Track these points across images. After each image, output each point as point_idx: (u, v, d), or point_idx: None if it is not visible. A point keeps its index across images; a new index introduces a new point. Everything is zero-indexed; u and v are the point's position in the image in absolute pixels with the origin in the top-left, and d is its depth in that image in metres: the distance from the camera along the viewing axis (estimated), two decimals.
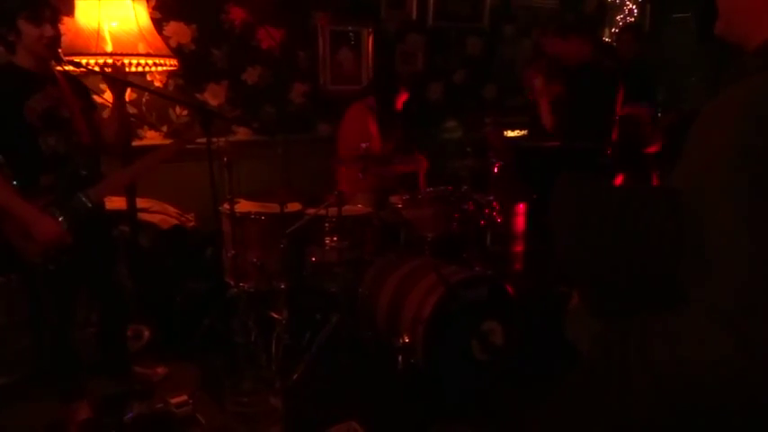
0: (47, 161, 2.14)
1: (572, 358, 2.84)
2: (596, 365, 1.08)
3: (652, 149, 3.88)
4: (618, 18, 5.14)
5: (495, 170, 3.13)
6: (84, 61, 2.61)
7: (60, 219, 2.14)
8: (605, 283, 1.02)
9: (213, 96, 3.70)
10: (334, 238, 2.92)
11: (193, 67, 3.59)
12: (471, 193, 3.15)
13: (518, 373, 2.78)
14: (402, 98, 3.60)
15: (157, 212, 3.41)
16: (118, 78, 2.48)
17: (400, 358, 2.60)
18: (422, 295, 2.65)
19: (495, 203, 3.17)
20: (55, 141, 2.15)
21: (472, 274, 2.71)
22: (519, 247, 4.06)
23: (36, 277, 2.22)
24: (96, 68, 2.76)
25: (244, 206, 3.05)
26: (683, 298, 0.92)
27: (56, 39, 2.14)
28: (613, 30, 5.17)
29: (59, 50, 2.19)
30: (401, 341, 2.60)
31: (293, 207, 3.04)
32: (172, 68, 3.19)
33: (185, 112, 3.60)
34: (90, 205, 2.21)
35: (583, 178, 1.07)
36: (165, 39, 3.34)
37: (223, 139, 2.98)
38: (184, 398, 2.48)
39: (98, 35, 2.84)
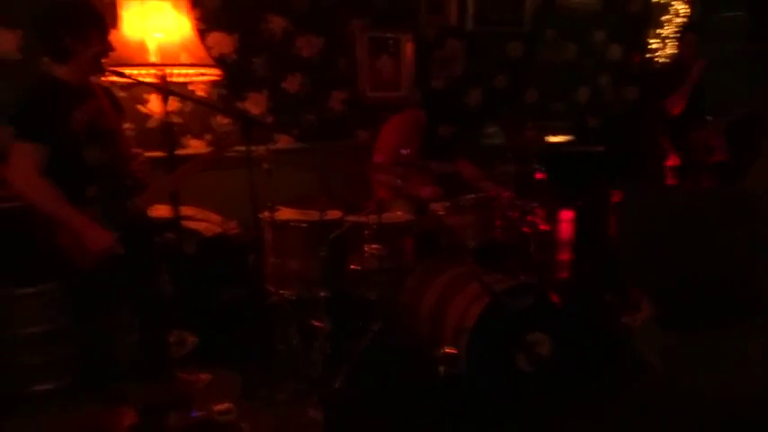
0: (91, 173, 2.18)
1: (619, 370, 2.75)
2: (666, 381, 1.01)
3: (718, 159, 3.74)
4: (663, 18, 4.97)
5: (539, 176, 3.05)
6: (127, 71, 2.64)
7: (111, 229, 2.17)
8: (675, 293, 0.95)
9: (254, 105, 3.73)
10: (374, 246, 2.88)
11: (235, 76, 3.62)
12: (514, 200, 3.08)
13: (565, 385, 2.69)
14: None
15: (201, 220, 3.44)
16: (165, 87, 2.51)
17: (442, 369, 2.55)
18: (465, 304, 2.59)
19: (538, 210, 3.08)
20: (99, 153, 2.19)
21: (517, 283, 2.64)
22: (565, 256, 3.96)
23: (85, 285, 2.25)
24: (141, 79, 2.80)
25: (284, 213, 3.05)
26: (760, 312, 0.86)
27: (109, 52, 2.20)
28: (657, 31, 5.01)
29: (102, 60, 2.23)
30: (443, 351, 2.55)
31: (333, 214, 3.02)
32: (214, 78, 3.23)
33: (227, 121, 3.64)
34: (137, 214, 2.23)
35: (649, 185, 1.01)
36: (208, 49, 3.38)
37: (263, 147, 3.00)
38: (227, 405, 2.48)
39: (143, 46, 2.89)
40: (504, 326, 2.54)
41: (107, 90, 2.40)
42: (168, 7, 2.97)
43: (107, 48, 2.18)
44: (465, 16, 4.34)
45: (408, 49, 4.16)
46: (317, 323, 2.96)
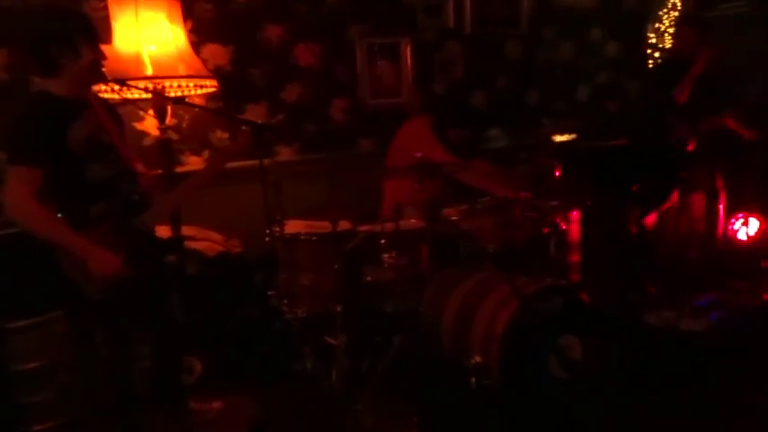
0: (95, 190, 2.04)
1: (650, 374, 2.64)
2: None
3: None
4: (661, 12, 4.92)
5: (557, 174, 2.93)
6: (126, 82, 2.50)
7: (117, 251, 2.02)
8: None
9: (253, 117, 3.60)
10: (392, 255, 2.75)
11: (232, 88, 3.50)
12: (532, 200, 2.96)
13: (599, 389, 2.57)
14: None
15: (202, 240, 3.30)
16: (167, 97, 2.38)
17: (473, 380, 2.41)
18: (492, 311, 2.46)
19: (558, 210, 2.97)
20: (100, 169, 2.05)
21: (546, 285, 2.51)
22: (575, 257, 3.85)
23: (95, 313, 2.10)
24: (137, 93, 2.67)
25: (293, 227, 2.91)
26: None
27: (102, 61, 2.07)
28: (656, 25, 4.96)
29: (102, 69, 2.09)
30: (473, 361, 2.42)
31: (344, 225, 2.89)
32: (212, 90, 3.10)
33: (226, 135, 3.51)
34: (148, 230, 2.09)
35: None
36: (203, 61, 3.26)
37: (268, 160, 2.87)
38: None
39: (137, 59, 2.76)
40: (536, 330, 2.41)
41: (105, 103, 2.27)
42: (162, 18, 2.85)
43: (99, 56, 2.04)
44: (463, 18, 4.26)
45: (408, 53, 4.06)
46: (332, 340, 2.81)
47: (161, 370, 2.51)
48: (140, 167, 2.34)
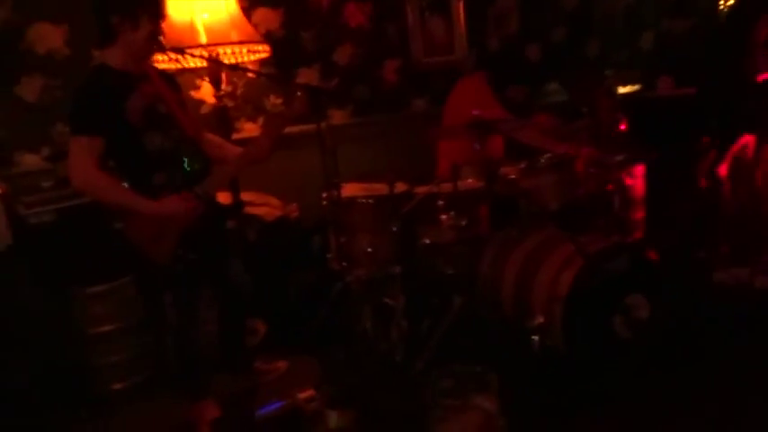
0: (156, 160, 2.08)
1: (723, 335, 2.51)
2: None
3: None
4: None
5: (623, 127, 2.79)
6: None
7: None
8: None
9: (306, 81, 3.59)
10: (450, 216, 2.71)
11: (284, 52, 3.49)
12: (596, 156, 2.84)
13: (666, 352, 2.49)
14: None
15: (261, 205, 3.35)
16: (223, 64, 2.37)
17: (536, 340, 2.37)
18: (555, 270, 2.40)
19: (624, 164, 2.84)
20: (160, 139, 2.08)
21: (612, 243, 2.43)
22: (640, 214, 3.70)
23: (163, 279, 2.17)
24: (192, 61, 2.69)
25: (349, 190, 2.90)
26: None
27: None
28: None
29: (160, 39, 2.10)
30: (535, 322, 2.38)
31: (400, 187, 2.86)
32: (265, 55, 3.09)
33: (280, 100, 3.51)
34: (208, 198, 2.13)
35: None
36: (254, 26, 3.25)
37: (323, 123, 2.86)
38: (311, 393, 2.37)
39: (192, 28, 2.78)
40: (601, 290, 2.34)
41: (163, 73, 2.29)
42: None
43: (156, 30, 2.05)
44: None
45: (460, 8, 3.93)
46: (391, 302, 2.82)
47: (227, 333, 2.60)
48: (205, 135, 2.38)
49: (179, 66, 2.85)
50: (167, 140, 2.10)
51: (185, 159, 2.15)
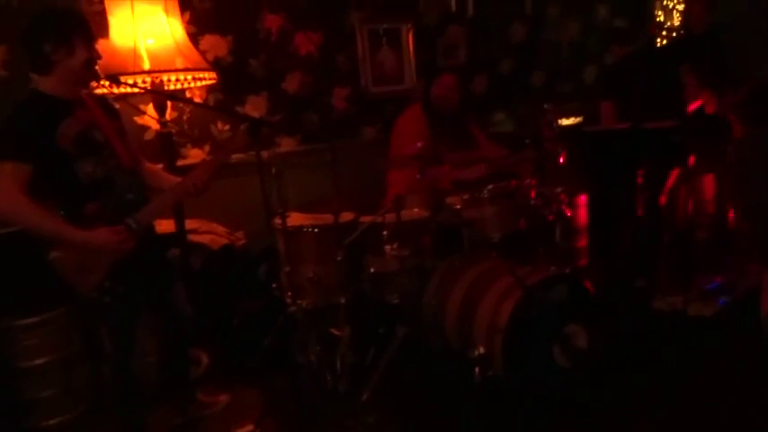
0: (88, 188, 2.02)
1: (658, 360, 2.61)
2: None
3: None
4: None
5: (562, 160, 2.89)
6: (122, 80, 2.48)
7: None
8: None
9: (254, 108, 3.58)
10: (395, 246, 2.73)
11: (232, 79, 3.47)
12: (536, 187, 2.92)
13: (604, 378, 2.55)
14: (446, 83, 3.39)
15: (206, 233, 3.30)
16: (162, 93, 2.34)
17: (477, 371, 2.40)
18: (496, 301, 2.44)
19: (563, 196, 2.93)
20: (92, 167, 2.01)
21: (550, 274, 2.49)
22: (583, 242, 3.82)
23: (92, 311, 2.10)
24: (136, 89, 2.65)
25: (296, 219, 2.90)
26: None
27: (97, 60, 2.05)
28: (664, 2, 4.85)
29: (95, 68, 2.07)
30: (477, 352, 2.40)
31: (347, 216, 2.87)
32: (211, 82, 3.07)
33: (227, 127, 3.49)
34: (139, 230, 2.07)
35: None
36: (202, 53, 3.23)
37: (268, 151, 2.85)
38: (250, 427, 2.33)
39: (135, 54, 2.74)
40: (540, 321, 2.39)
41: (101, 99, 2.24)
42: (159, 11, 2.82)
43: (93, 55, 2.02)
44: (465, 1, 4.18)
45: (410, 39, 4.00)
46: (337, 332, 2.81)
47: (168, 364, 2.53)
48: (144, 163, 2.34)
49: (122, 91, 2.80)
50: (101, 169, 2.04)
51: (119, 189, 2.09)
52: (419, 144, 2.68)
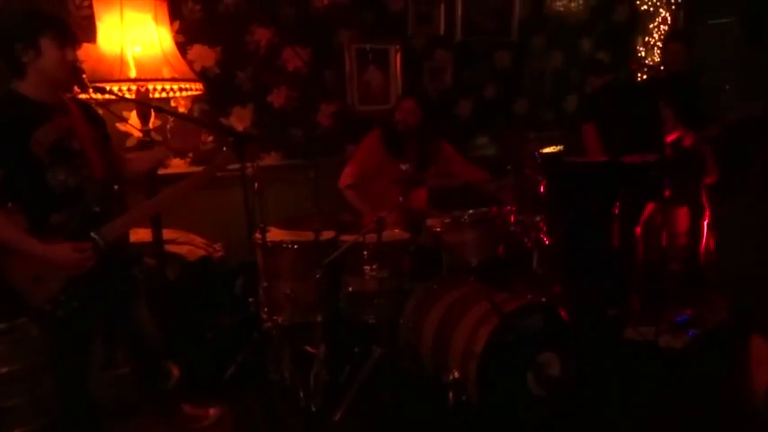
0: (56, 198, 1.97)
1: (628, 390, 2.64)
2: None
3: (710, 180, 3.71)
4: (651, 26, 4.95)
5: (542, 189, 2.93)
6: (107, 87, 2.46)
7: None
8: None
9: (239, 120, 3.57)
10: (374, 267, 2.74)
11: (218, 90, 3.47)
12: (517, 214, 2.96)
13: (575, 406, 2.58)
14: (407, 107, 3.44)
15: (184, 243, 3.26)
16: (145, 104, 2.32)
17: (451, 395, 2.41)
18: (472, 327, 2.46)
19: (541, 224, 2.97)
20: (65, 176, 1.96)
21: (526, 302, 2.51)
22: (558, 271, 3.86)
23: (46, 323, 2.05)
24: (121, 95, 2.63)
25: (275, 235, 2.89)
26: None
27: (76, 64, 2.01)
28: (647, 39, 4.98)
29: (83, 76, 2.04)
30: (451, 377, 2.42)
31: (327, 234, 2.87)
32: (197, 93, 3.06)
33: (211, 138, 3.47)
34: (103, 244, 2.02)
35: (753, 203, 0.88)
36: (189, 63, 3.23)
37: (252, 164, 2.84)
38: None
39: (121, 61, 2.72)
40: (515, 348, 2.41)
41: (86, 106, 2.20)
42: (148, 19, 2.81)
43: (68, 57, 1.97)
44: (453, 26, 4.25)
45: (397, 59, 4.04)
46: (312, 350, 2.80)
47: (136, 376, 2.49)
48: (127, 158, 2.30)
49: (105, 97, 2.77)
50: (72, 178, 1.98)
51: (87, 200, 2.04)
52: (403, 167, 2.70)
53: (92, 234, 2.02)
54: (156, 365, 2.57)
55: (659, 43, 4.85)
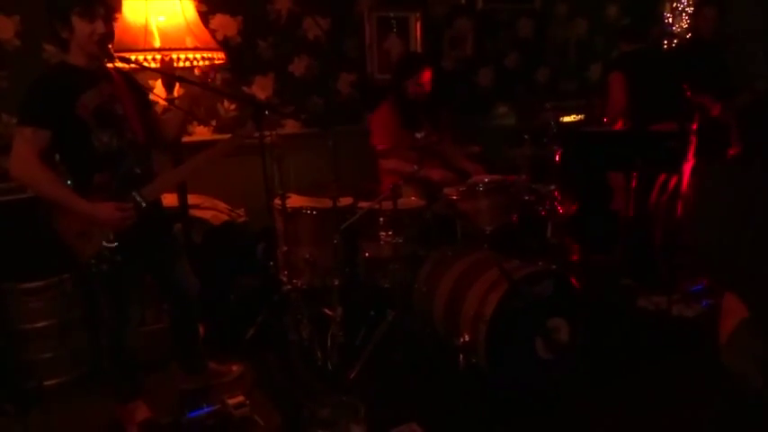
0: (100, 159, 2.11)
1: (638, 357, 2.67)
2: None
3: (733, 151, 3.65)
4: None
5: (557, 158, 2.95)
6: (132, 57, 2.55)
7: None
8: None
9: (261, 89, 3.64)
10: (390, 233, 2.81)
11: (240, 59, 3.53)
12: (531, 183, 2.99)
13: (584, 372, 2.64)
14: (427, 78, 3.38)
15: (208, 209, 3.38)
16: (170, 74, 2.41)
17: (461, 358, 2.49)
18: (483, 292, 2.52)
19: (556, 193, 3.00)
20: (108, 138, 2.11)
21: (537, 269, 2.56)
22: (573, 240, 3.88)
23: (90, 278, 2.19)
24: (146, 64, 2.71)
25: (295, 201, 2.98)
26: None
27: (108, 36, 2.10)
28: (674, 5, 4.86)
29: (110, 47, 2.14)
30: (462, 340, 2.50)
31: (345, 201, 2.95)
32: (219, 62, 3.13)
33: (233, 107, 3.55)
34: (144, 204, 2.16)
35: (732, 169, 0.92)
36: (212, 32, 3.29)
37: (274, 132, 2.92)
38: (241, 398, 2.43)
39: (146, 30, 2.78)
40: (524, 313, 2.47)
41: (127, 75, 2.32)
42: None
43: (97, 29, 2.06)
44: None
45: (417, 28, 4.04)
46: (329, 312, 2.91)
47: (178, 334, 2.65)
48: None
49: (131, 66, 2.86)
50: (115, 141, 2.12)
51: (129, 162, 2.17)
52: (419, 135, 2.75)
53: (133, 194, 2.14)
54: (195, 323, 2.70)
55: (688, 9, 4.73)
